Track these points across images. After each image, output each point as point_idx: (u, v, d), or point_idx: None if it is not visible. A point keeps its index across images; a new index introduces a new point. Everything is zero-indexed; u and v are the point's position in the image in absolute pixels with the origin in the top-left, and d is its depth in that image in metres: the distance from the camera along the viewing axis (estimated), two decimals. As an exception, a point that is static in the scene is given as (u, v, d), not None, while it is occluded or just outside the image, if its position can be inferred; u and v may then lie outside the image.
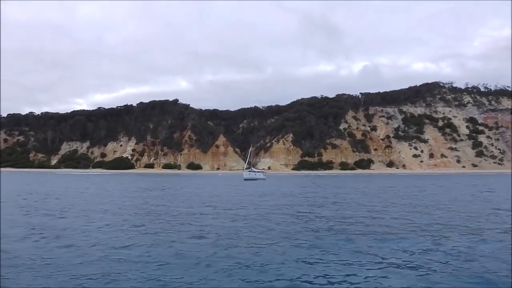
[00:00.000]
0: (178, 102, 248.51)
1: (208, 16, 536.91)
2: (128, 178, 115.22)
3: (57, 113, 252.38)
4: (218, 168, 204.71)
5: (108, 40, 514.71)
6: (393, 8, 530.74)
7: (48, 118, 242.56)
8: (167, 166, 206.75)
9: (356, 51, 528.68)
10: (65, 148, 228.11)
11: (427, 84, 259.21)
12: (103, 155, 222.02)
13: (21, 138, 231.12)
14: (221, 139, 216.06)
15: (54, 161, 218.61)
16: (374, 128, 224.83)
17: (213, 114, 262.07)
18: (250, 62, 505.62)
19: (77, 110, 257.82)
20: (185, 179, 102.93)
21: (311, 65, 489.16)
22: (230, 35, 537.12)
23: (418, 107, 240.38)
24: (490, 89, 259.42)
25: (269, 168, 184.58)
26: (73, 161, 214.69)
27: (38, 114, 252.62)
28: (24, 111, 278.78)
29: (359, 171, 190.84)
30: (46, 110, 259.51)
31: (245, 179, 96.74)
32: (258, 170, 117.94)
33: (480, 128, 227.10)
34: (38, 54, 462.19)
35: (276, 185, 72.33)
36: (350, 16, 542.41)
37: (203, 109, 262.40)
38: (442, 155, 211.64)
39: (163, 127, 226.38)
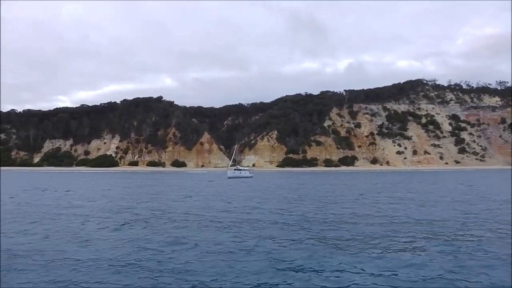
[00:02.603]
0: (163, 99, 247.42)
1: (194, 15, 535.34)
2: (128, 176, 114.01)
3: (40, 110, 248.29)
4: (202, 166, 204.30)
5: (93, 39, 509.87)
6: (378, 7, 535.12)
7: (31, 116, 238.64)
8: (151, 164, 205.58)
9: (341, 49, 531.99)
10: (48, 146, 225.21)
11: (410, 81, 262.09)
12: (86, 152, 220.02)
13: (3, 136, 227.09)
14: (206, 137, 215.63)
15: (36, 159, 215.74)
16: (358, 125, 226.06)
17: (198, 111, 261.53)
18: (236, 60, 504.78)
19: (60, 108, 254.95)
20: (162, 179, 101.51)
21: (296, 63, 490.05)
22: (216, 34, 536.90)
23: (402, 104, 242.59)
24: (472, 87, 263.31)
25: (253, 165, 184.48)
26: (56, 159, 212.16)
27: (20, 112, 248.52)
28: (6, 108, 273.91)
29: (343, 168, 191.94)
30: (28, 108, 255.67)
31: (229, 178, 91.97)
32: (244, 168, 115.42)
33: (463, 125, 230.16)
34: (22, 52, 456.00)
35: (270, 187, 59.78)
36: (336, 14, 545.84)
37: (188, 106, 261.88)
38: (425, 152, 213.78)
39: (147, 124, 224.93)
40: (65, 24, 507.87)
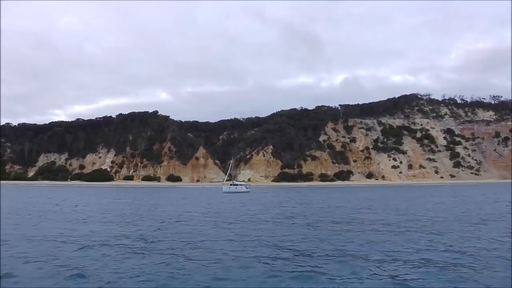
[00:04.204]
0: (158, 113, 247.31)
1: (189, 28, 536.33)
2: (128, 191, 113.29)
3: (35, 124, 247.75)
4: (198, 180, 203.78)
5: (87, 51, 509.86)
6: (372, 21, 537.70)
7: (25, 129, 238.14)
8: (146, 178, 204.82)
9: (336, 63, 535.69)
10: (42, 160, 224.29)
11: (405, 96, 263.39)
12: (81, 167, 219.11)
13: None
14: (201, 151, 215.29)
15: (31, 173, 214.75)
16: (353, 140, 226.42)
17: (193, 126, 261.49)
18: (231, 74, 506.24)
19: (55, 121, 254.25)
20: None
21: (292, 77, 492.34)
22: (211, 47, 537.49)
23: (397, 119, 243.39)
24: (466, 101, 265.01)
25: (249, 180, 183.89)
26: (51, 173, 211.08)
27: (15, 125, 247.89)
28: (1, 122, 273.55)
29: (338, 182, 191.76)
30: (23, 121, 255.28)
31: (224, 193, 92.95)
32: (240, 183, 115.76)
33: (457, 139, 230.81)
34: (16, 64, 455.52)
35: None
36: (331, 28, 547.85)
37: (183, 120, 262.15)
38: (421, 166, 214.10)
39: (142, 139, 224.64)
40: (59, 35, 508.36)
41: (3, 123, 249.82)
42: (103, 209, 46.39)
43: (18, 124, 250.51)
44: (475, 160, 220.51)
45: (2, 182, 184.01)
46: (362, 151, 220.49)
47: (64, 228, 27.57)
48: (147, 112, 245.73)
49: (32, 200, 67.50)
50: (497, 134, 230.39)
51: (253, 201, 61.86)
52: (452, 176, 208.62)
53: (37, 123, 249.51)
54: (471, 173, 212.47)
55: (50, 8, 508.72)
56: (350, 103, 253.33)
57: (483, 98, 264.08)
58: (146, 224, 30.04)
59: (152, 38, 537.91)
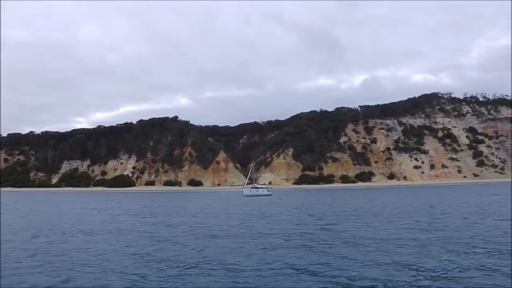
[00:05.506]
0: (178, 119, 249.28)
1: (209, 34, 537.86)
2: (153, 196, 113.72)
3: (58, 132, 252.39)
4: (219, 184, 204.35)
5: (109, 59, 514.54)
6: (391, 22, 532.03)
7: (49, 137, 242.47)
8: (167, 183, 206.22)
9: (356, 64, 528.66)
10: (65, 166, 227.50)
11: (426, 95, 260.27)
12: (103, 173, 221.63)
13: (22, 157, 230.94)
14: (222, 155, 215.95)
15: (54, 180, 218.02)
16: (374, 141, 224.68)
17: (213, 130, 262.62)
18: (251, 78, 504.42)
19: (77, 129, 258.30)
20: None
21: (312, 80, 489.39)
22: (231, 52, 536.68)
23: (418, 119, 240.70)
24: (489, 99, 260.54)
25: (270, 183, 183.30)
26: (74, 179, 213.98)
27: (39, 134, 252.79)
28: (25, 130, 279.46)
29: (360, 184, 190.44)
30: (46, 129, 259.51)
31: (245, 196, 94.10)
32: (261, 186, 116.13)
33: (480, 137, 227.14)
34: (39, 74, 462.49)
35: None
36: (350, 30, 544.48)
37: (203, 125, 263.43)
38: (443, 166, 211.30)
39: (163, 144, 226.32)
40: (82, 45, 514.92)
41: (27, 131, 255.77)
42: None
43: (41, 132, 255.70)
44: (499, 158, 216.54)
45: (28, 189, 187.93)
46: (383, 152, 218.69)
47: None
48: (167, 117, 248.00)
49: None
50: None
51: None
52: (476, 175, 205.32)
53: (60, 131, 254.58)
54: (495, 171, 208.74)
55: (73, 19, 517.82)
56: (370, 104, 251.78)
57: (506, 96, 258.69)
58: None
59: (172, 46, 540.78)
